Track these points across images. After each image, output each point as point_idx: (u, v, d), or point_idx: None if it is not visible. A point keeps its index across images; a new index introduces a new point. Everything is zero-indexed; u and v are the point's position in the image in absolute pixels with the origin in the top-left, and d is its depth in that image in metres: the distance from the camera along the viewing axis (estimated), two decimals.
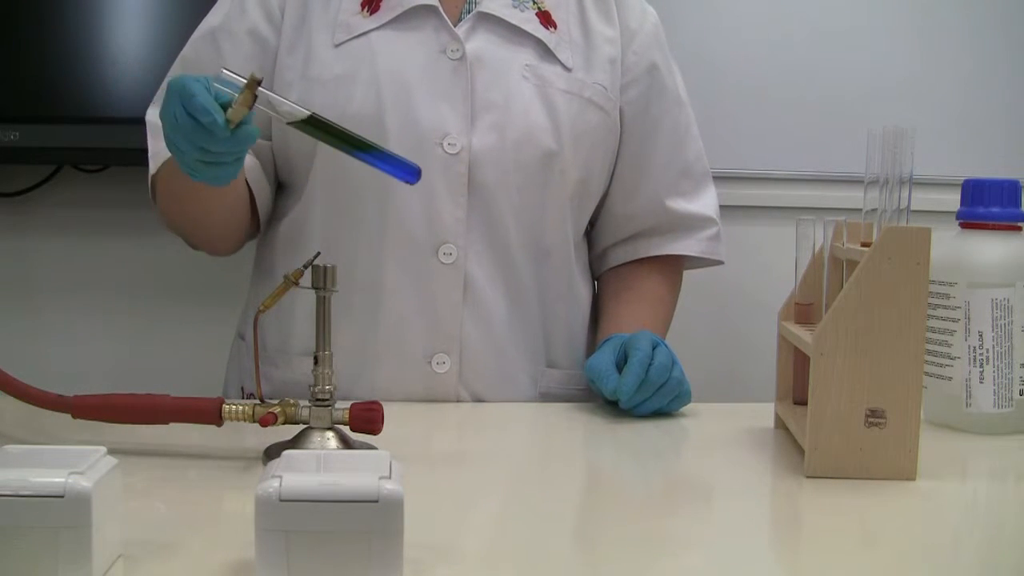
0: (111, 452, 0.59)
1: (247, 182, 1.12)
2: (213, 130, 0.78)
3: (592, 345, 1.21)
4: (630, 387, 0.99)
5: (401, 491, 0.54)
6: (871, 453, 0.80)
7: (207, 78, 0.80)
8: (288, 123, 0.81)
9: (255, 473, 0.78)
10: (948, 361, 0.97)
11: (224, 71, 0.80)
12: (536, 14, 1.14)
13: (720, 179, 1.48)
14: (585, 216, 1.21)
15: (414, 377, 1.09)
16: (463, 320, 1.09)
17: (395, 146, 1.07)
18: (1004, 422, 0.96)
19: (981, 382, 0.96)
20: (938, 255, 0.88)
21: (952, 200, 1.03)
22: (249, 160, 1.12)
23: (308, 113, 0.81)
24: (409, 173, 0.82)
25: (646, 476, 0.89)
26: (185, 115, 0.79)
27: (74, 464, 0.55)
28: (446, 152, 1.08)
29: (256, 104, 0.78)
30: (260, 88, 0.78)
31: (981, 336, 0.96)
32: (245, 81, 0.78)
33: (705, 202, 1.24)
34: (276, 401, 0.82)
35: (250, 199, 1.14)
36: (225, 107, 0.79)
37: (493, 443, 0.99)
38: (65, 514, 0.53)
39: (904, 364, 0.79)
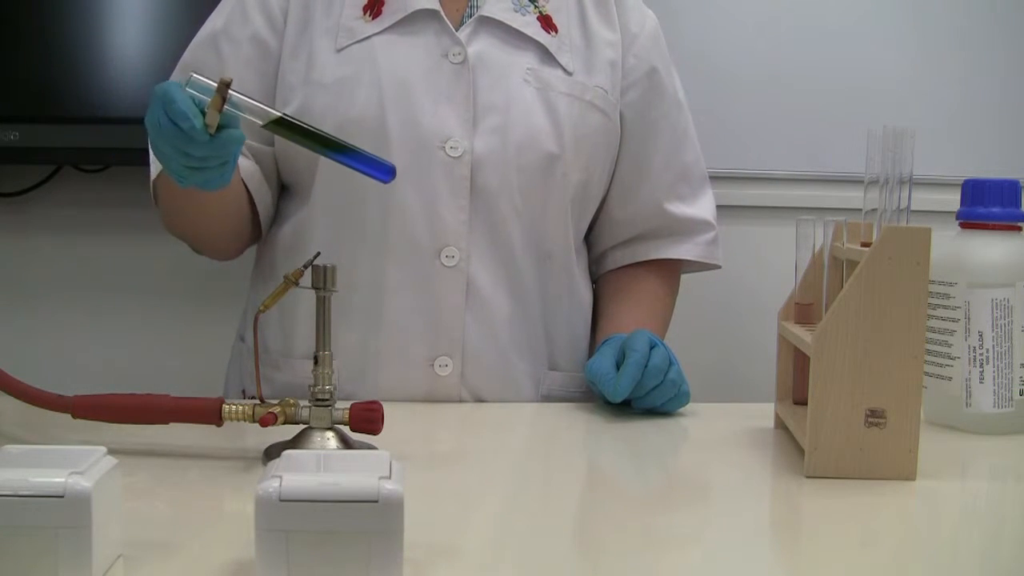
0: (111, 452, 0.59)
1: (246, 187, 1.12)
2: (192, 135, 0.79)
3: (592, 347, 1.21)
4: (625, 388, 0.99)
5: (401, 491, 0.54)
6: (871, 453, 0.80)
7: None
8: (262, 126, 0.80)
9: (255, 473, 0.78)
10: (948, 361, 0.97)
11: (194, 76, 0.79)
12: (537, 18, 1.14)
13: (720, 179, 1.49)
14: (586, 219, 1.21)
15: (416, 379, 1.09)
16: (465, 323, 1.09)
17: (397, 150, 1.07)
18: (1004, 422, 0.96)
19: (981, 382, 0.96)
20: (938, 255, 0.88)
21: (952, 200, 1.03)
22: (248, 165, 1.12)
23: (278, 115, 0.80)
24: (383, 172, 0.81)
25: (646, 476, 0.89)
26: (167, 120, 0.80)
27: (74, 464, 0.55)
28: (448, 155, 1.08)
29: (226, 107, 0.78)
30: (231, 91, 0.78)
31: (981, 336, 0.96)
32: (215, 85, 0.78)
33: (703, 206, 1.24)
34: (276, 401, 0.82)
35: (250, 204, 1.14)
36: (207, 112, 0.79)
37: (493, 443, 0.99)
38: (65, 514, 0.53)
39: (904, 364, 0.79)
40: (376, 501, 0.54)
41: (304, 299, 1.03)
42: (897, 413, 0.80)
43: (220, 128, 0.79)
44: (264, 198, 1.15)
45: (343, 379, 1.06)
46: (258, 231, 1.19)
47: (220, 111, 0.78)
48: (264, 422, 0.79)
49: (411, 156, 1.07)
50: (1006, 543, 0.72)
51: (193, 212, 1.11)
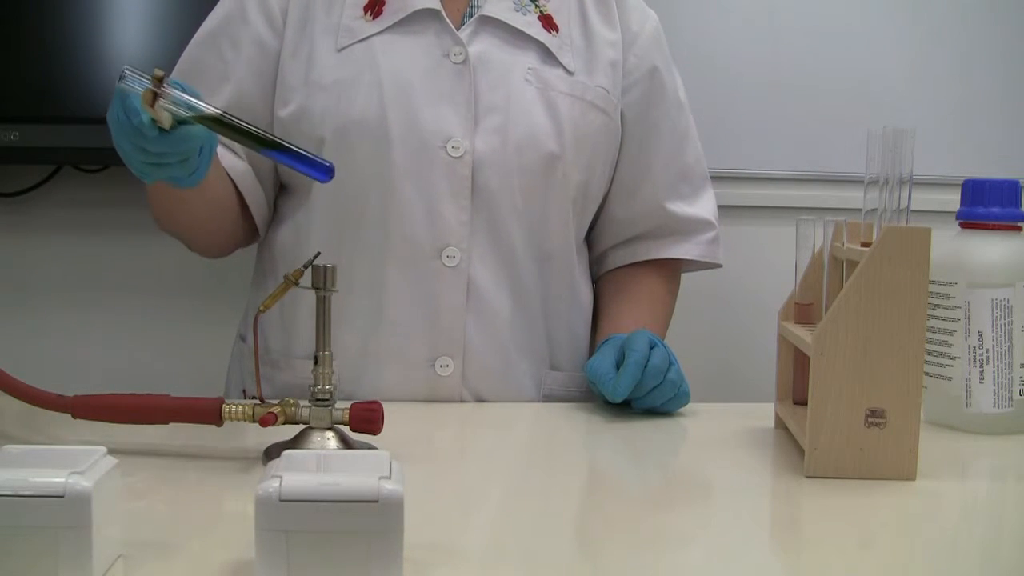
0: (111, 452, 0.59)
1: (237, 188, 1.12)
2: (141, 130, 0.78)
3: (592, 347, 1.21)
4: (625, 388, 0.99)
5: (401, 491, 0.54)
6: (871, 453, 0.80)
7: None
8: (198, 121, 0.78)
9: (255, 473, 0.78)
10: (948, 361, 0.97)
11: (127, 69, 0.78)
12: (538, 17, 1.14)
13: (720, 179, 1.49)
14: (587, 219, 1.21)
15: (417, 380, 1.09)
16: (466, 323, 1.09)
17: (399, 150, 1.07)
18: (1004, 422, 0.96)
19: (981, 382, 0.96)
20: (938, 255, 0.88)
21: (952, 200, 1.03)
22: (241, 166, 1.13)
23: (217, 112, 0.79)
24: (321, 171, 0.79)
25: (646, 476, 0.89)
26: (125, 117, 0.79)
27: (74, 464, 0.55)
28: (449, 155, 1.08)
29: (162, 103, 0.76)
30: (165, 87, 0.76)
31: (981, 336, 0.96)
32: (148, 80, 0.76)
33: (704, 205, 1.24)
34: (276, 401, 0.82)
35: (242, 204, 1.14)
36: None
37: (493, 443, 0.99)
38: (65, 514, 0.53)
39: (904, 364, 0.79)
40: (376, 501, 0.54)
41: (305, 299, 1.03)
42: (897, 413, 0.80)
43: (179, 124, 0.79)
44: (258, 199, 1.15)
45: (343, 379, 1.06)
46: (254, 231, 1.19)
47: (152, 106, 0.77)
48: (264, 422, 0.79)
49: (412, 156, 1.07)
50: (1006, 543, 0.72)
51: (177, 210, 1.10)
